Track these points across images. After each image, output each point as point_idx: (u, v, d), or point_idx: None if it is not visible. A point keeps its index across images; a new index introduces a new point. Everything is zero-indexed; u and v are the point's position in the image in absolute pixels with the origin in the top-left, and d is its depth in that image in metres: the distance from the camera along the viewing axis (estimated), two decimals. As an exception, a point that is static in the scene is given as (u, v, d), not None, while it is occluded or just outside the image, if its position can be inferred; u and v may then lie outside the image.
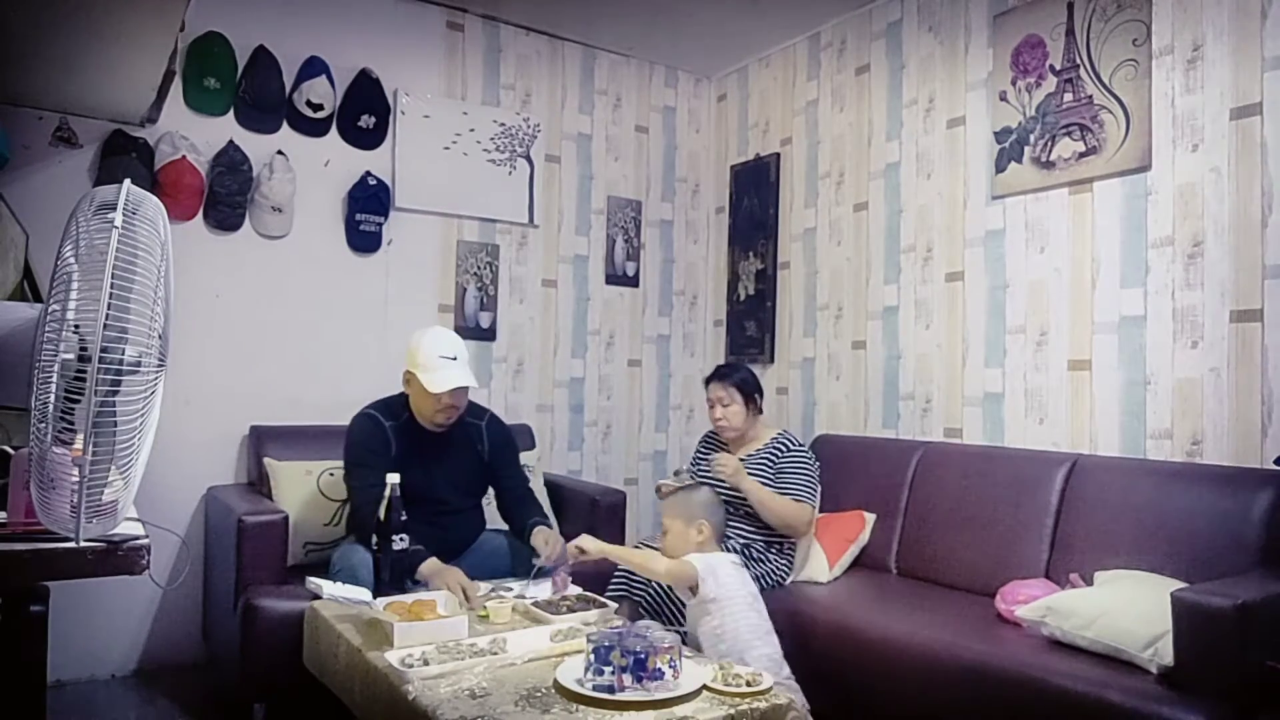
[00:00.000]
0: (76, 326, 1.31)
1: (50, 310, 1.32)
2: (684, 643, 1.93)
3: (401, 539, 2.32)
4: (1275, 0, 2.46)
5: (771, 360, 4.10)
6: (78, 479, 1.26)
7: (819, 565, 2.93)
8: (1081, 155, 2.89)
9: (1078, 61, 2.91)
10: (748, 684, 1.77)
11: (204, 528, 3.19)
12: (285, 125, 3.40)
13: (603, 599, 2.37)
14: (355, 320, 3.55)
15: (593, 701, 1.66)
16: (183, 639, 3.19)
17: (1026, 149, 3.05)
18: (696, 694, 1.72)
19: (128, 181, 1.40)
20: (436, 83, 3.76)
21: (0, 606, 1.41)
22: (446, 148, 3.75)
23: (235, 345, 3.31)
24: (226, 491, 3.06)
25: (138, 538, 1.36)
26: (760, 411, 3.06)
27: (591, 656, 1.72)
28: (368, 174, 3.54)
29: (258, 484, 3.12)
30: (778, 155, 4.14)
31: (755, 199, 4.24)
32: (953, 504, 2.93)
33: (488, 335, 3.87)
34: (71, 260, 1.33)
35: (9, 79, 2.60)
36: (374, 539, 2.33)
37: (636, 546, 2.96)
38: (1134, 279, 2.75)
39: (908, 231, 3.51)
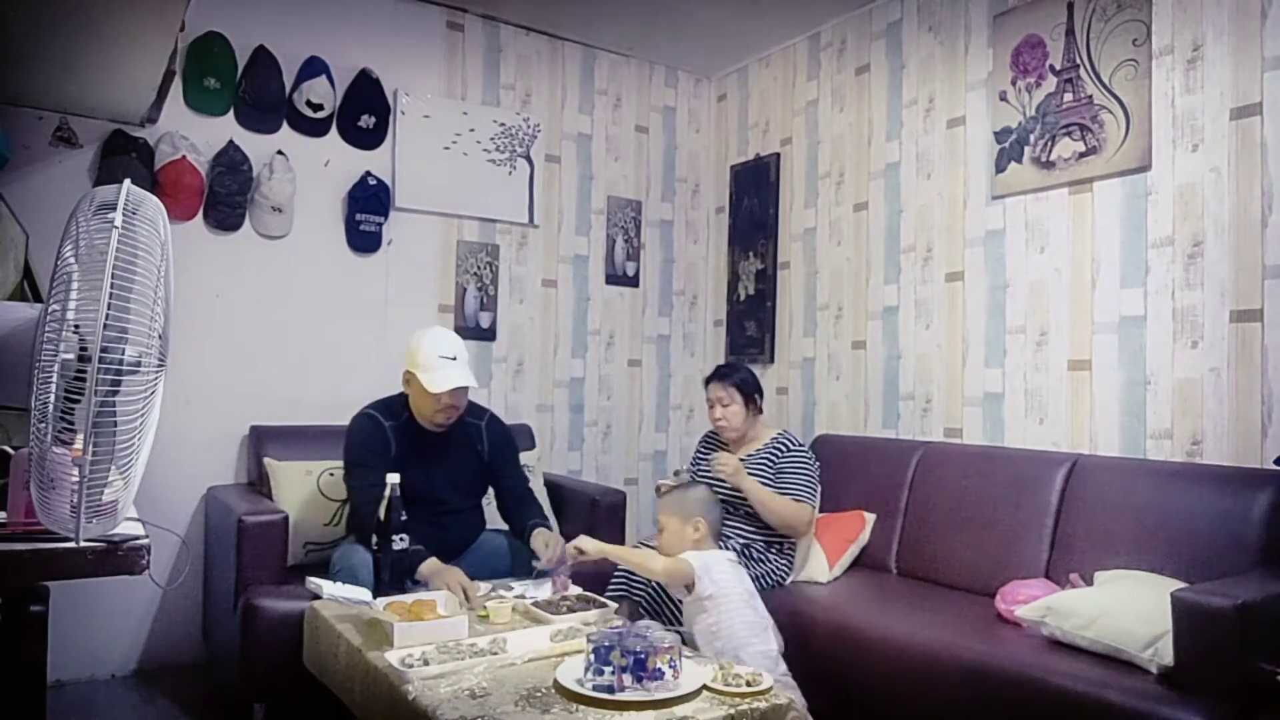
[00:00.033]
0: (76, 326, 1.31)
1: (50, 310, 1.32)
2: (684, 642, 1.93)
3: (401, 539, 2.32)
4: (1275, 0, 2.46)
5: (771, 360, 4.10)
6: (78, 479, 1.26)
7: (819, 565, 2.93)
8: (1081, 155, 2.89)
9: (1078, 61, 2.91)
10: (748, 684, 1.76)
11: (204, 528, 3.19)
12: (285, 125, 3.40)
13: (603, 599, 2.37)
14: (355, 320, 3.55)
15: (593, 701, 1.66)
16: (183, 639, 3.19)
17: (1026, 149, 3.05)
18: (696, 694, 1.72)
19: (128, 181, 1.40)
20: (436, 83, 3.76)
21: (0, 606, 1.41)
22: (446, 148, 3.75)
23: (235, 345, 3.31)
24: (226, 491, 3.06)
25: (138, 538, 1.36)
26: (760, 411, 3.06)
27: (591, 656, 1.72)
28: (368, 174, 3.54)
29: (258, 484, 3.12)
30: (778, 155, 4.15)
31: (755, 199, 4.24)
32: (953, 504, 2.93)
33: (488, 335, 3.87)
34: (71, 260, 1.33)
35: (9, 79, 2.60)
36: (374, 539, 2.33)
37: (636, 546, 2.96)
38: (1134, 279, 2.75)
39: (908, 231, 3.51)
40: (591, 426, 4.17)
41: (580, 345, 4.15)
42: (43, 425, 1.28)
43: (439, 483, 2.67)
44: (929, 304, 3.41)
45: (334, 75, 3.45)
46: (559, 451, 4.06)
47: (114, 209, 1.32)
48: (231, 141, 3.25)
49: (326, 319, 3.49)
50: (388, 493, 2.32)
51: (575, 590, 2.42)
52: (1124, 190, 2.79)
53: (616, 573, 2.74)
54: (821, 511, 3.08)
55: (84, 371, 1.27)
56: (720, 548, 2.48)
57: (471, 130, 3.81)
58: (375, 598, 2.22)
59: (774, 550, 2.90)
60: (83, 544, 1.29)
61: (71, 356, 1.29)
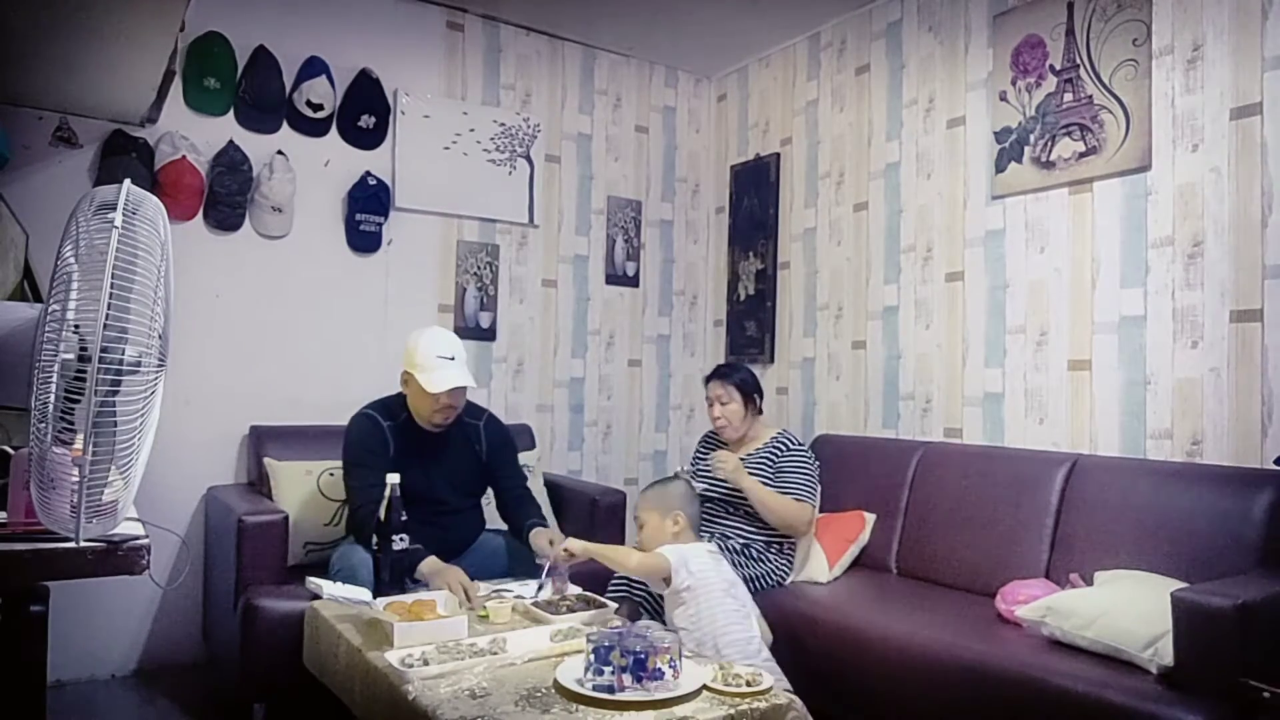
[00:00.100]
0: (76, 326, 1.31)
1: (50, 310, 1.32)
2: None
3: (401, 539, 2.32)
4: (1275, 0, 2.46)
5: (771, 360, 4.10)
6: (78, 479, 1.26)
7: (819, 565, 2.93)
8: (1081, 155, 2.89)
9: (1078, 61, 2.91)
10: (748, 684, 1.76)
11: (204, 528, 3.19)
12: (285, 125, 3.40)
13: (603, 599, 2.37)
14: (355, 320, 3.55)
15: (593, 701, 1.66)
16: (183, 639, 3.19)
17: (1026, 149, 3.05)
18: (696, 694, 1.72)
19: (128, 181, 1.40)
20: (436, 83, 3.76)
21: (0, 606, 1.41)
22: (446, 148, 3.75)
23: (235, 345, 3.31)
24: (226, 491, 3.06)
25: (138, 538, 1.36)
26: (760, 411, 3.06)
27: (591, 656, 1.72)
28: (368, 174, 3.54)
29: (258, 484, 3.12)
30: (778, 155, 4.14)
31: (755, 199, 4.24)
32: (953, 504, 2.93)
33: (488, 335, 3.87)
34: (71, 260, 1.33)
35: (9, 79, 2.60)
36: (374, 539, 2.33)
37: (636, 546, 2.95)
38: (1134, 279, 2.75)
39: (908, 231, 3.51)
40: (591, 426, 4.17)
41: (580, 345, 4.15)
42: (43, 425, 1.28)
43: (438, 483, 2.67)
44: (929, 304, 3.41)
45: (334, 75, 3.45)
46: (559, 451, 4.06)
47: (114, 209, 1.32)
48: (231, 141, 3.25)
49: (326, 319, 3.49)
50: (387, 493, 2.32)
51: (575, 590, 2.42)
52: (1124, 190, 2.78)
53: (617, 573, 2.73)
54: (821, 511, 3.08)
55: (84, 371, 1.27)
56: (700, 540, 2.48)
57: (471, 130, 3.81)
58: (375, 598, 2.22)
59: (774, 550, 2.90)
60: (83, 544, 1.29)
61: (71, 356, 1.29)
